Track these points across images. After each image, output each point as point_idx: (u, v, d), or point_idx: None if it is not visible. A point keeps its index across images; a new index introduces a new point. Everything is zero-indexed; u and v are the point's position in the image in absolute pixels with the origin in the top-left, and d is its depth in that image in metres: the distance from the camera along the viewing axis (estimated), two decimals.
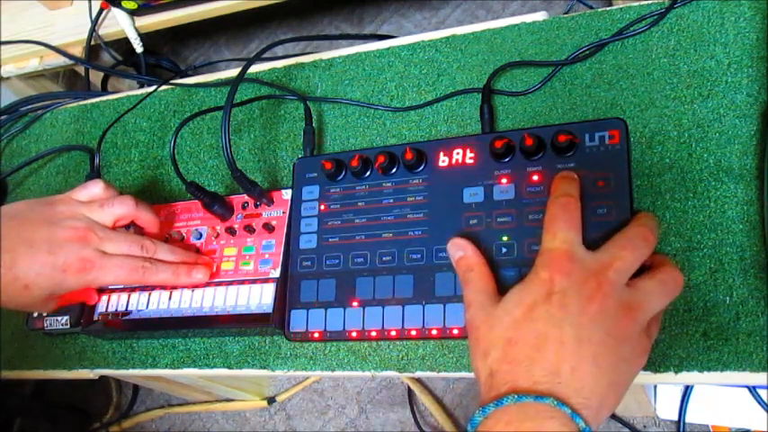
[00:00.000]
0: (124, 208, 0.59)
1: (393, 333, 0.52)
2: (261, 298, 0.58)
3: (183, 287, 0.60)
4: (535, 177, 0.52)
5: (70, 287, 0.57)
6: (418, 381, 1.12)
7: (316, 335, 0.55)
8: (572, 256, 0.43)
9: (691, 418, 0.93)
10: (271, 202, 0.61)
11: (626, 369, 0.42)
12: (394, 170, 0.57)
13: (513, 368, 0.41)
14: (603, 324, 0.41)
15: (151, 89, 0.77)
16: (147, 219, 0.61)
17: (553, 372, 0.40)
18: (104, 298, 0.63)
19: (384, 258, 0.55)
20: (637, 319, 0.42)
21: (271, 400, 1.22)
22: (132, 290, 0.62)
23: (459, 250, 0.50)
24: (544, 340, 0.41)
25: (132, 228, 0.62)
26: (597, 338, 0.40)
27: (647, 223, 0.46)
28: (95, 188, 0.60)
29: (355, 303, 0.54)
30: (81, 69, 1.10)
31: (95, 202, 0.59)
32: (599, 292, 0.41)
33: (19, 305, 0.57)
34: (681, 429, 0.93)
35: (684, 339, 0.48)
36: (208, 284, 0.60)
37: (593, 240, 0.45)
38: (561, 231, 0.44)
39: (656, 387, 0.96)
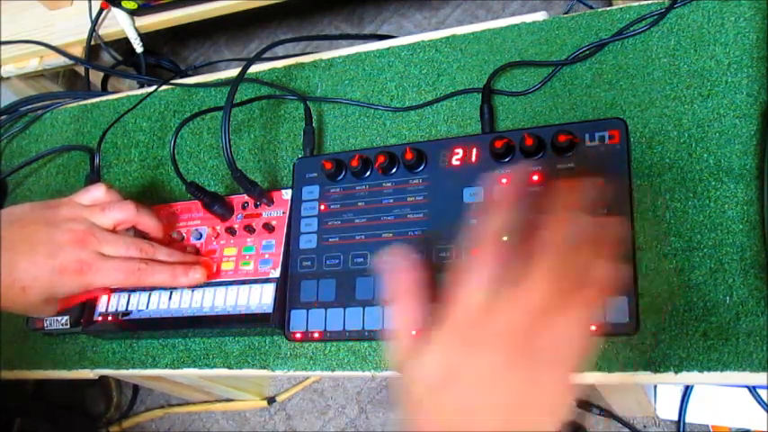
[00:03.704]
0: (125, 213, 0.59)
1: None
2: (261, 298, 0.58)
3: (182, 287, 0.60)
4: (535, 177, 0.52)
5: (68, 290, 0.57)
6: None
7: (316, 335, 0.55)
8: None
9: (691, 418, 0.93)
10: (271, 202, 0.61)
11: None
12: (394, 170, 0.57)
13: None
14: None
15: (151, 89, 0.77)
16: (148, 224, 0.61)
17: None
18: (104, 298, 0.63)
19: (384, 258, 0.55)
20: None
21: (271, 400, 1.22)
22: (132, 290, 0.62)
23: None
24: None
25: (133, 230, 0.62)
26: None
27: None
28: (97, 192, 0.60)
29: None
30: (81, 69, 1.10)
31: (97, 205, 0.59)
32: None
33: (18, 308, 0.57)
34: (681, 429, 0.93)
35: (684, 339, 0.48)
36: (208, 284, 0.60)
37: None
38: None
39: (656, 387, 0.96)
